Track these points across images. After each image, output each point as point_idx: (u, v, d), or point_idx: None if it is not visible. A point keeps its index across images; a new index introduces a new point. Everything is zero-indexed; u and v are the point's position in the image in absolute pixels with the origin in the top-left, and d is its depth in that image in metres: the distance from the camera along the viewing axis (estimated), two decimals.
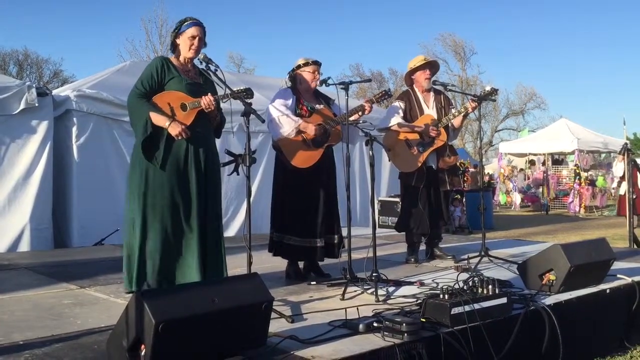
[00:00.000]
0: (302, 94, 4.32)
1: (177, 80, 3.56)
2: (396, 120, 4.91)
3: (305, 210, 4.19)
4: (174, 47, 3.68)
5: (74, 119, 6.94)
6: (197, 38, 3.59)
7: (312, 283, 4.08)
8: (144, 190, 3.47)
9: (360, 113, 4.23)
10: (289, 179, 4.24)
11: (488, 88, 4.91)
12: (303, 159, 4.17)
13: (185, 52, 3.62)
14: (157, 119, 3.43)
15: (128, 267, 3.53)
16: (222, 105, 3.68)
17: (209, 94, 3.56)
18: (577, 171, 16.19)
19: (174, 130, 3.42)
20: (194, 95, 3.55)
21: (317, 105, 4.31)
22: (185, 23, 3.61)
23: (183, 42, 3.61)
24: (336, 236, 4.31)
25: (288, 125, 4.12)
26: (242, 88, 3.59)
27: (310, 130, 4.15)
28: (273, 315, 2.68)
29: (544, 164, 17.81)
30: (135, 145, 3.55)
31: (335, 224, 4.33)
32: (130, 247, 3.52)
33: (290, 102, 4.23)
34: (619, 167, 12.42)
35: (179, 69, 3.61)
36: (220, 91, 3.60)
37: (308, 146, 4.19)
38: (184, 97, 3.54)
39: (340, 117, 4.23)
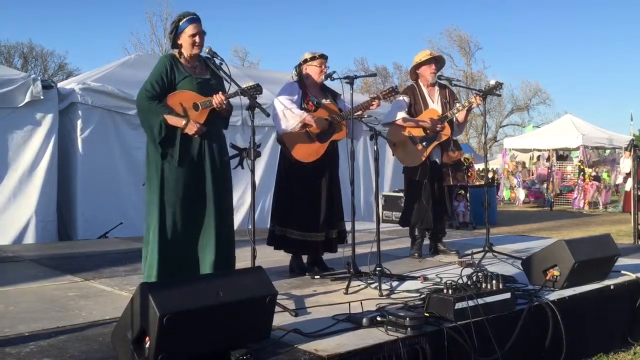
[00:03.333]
0: (309, 88, 4.31)
1: (188, 81, 3.55)
2: (401, 115, 4.90)
3: (308, 205, 4.19)
4: (176, 45, 3.65)
5: (79, 111, 6.96)
6: (197, 35, 3.55)
7: (316, 277, 4.08)
8: (159, 187, 3.47)
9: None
10: (292, 172, 4.23)
11: (492, 82, 4.89)
12: (307, 153, 4.16)
13: (190, 50, 3.58)
14: (173, 121, 3.45)
15: (146, 263, 3.53)
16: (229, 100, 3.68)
17: (220, 92, 3.56)
18: (582, 167, 16.14)
19: (191, 130, 3.46)
20: (204, 93, 3.55)
21: (323, 100, 4.30)
22: (182, 21, 3.56)
23: (184, 41, 3.58)
24: (336, 231, 4.31)
25: (293, 119, 4.11)
26: (251, 84, 3.58)
27: (315, 123, 4.14)
28: (277, 308, 2.69)
29: (548, 159, 17.75)
30: (148, 142, 3.55)
31: (337, 219, 4.32)
32: (148, 243, 3.52)
33: (296, 97, 4.22)
34: (626, 163, 12.39)
35: (186, 67, 3.59)
36: (227, 83, 3.59)
37: (312, 140, 4.18)
38: (195, 96, 3.54)
39: (346, 112, 4.22)
